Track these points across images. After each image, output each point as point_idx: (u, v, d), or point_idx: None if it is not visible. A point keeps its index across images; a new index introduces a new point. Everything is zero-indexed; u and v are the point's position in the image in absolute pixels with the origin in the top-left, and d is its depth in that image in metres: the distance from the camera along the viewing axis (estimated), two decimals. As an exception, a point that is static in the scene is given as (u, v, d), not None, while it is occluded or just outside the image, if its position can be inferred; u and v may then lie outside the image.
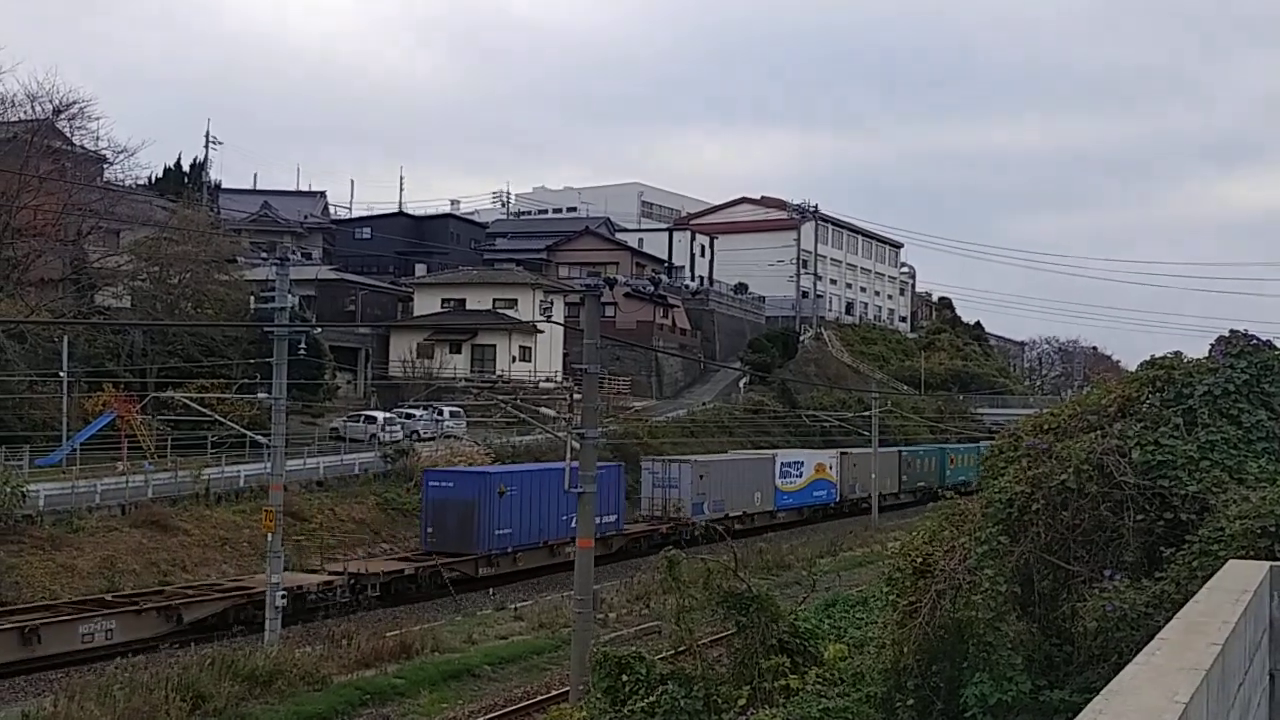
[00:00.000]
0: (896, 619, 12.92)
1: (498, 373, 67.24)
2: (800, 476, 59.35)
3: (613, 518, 44.40)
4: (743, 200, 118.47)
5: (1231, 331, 13.81)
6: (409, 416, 55.88)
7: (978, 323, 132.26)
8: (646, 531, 47.43)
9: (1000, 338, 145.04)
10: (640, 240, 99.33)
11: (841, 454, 64.07)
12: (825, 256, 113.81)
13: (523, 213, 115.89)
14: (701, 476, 50.41)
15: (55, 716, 20.97)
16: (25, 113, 52.46)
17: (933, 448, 76.64)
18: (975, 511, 13.39)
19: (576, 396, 46.99)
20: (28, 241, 49.45)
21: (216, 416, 37.96)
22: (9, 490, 33.04)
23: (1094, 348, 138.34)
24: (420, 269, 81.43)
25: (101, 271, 54.39)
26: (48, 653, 26.76)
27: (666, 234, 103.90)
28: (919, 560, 13.02)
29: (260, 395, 32.77)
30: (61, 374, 43.63)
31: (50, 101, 52.91)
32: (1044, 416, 14.57)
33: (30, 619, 27.49)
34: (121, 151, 58.04)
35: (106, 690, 21.89)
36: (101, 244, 56.34)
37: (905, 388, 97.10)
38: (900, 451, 71.04)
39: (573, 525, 45.14)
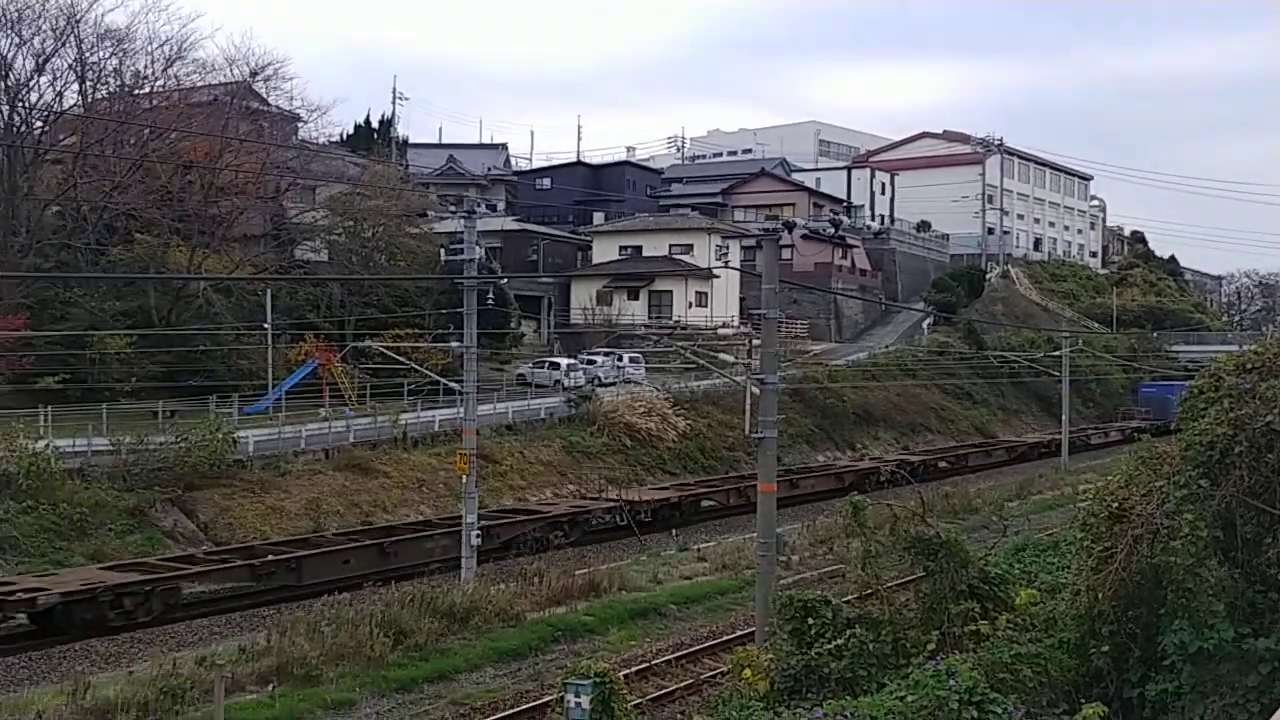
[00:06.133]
0: (1091, 564, 12.68)
1: (675, 318, 67.69)
2: None
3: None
4: (923, 135, 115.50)
5: None
6: (590, 363, 56.92)
7: (1172, 256, 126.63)
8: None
9: (1196, 272, 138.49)
10: (818, 180, 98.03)
11: None
12: (1011, 191, 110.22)
13: (698, 157, 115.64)
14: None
15: (269, 650, 21.99)
16: (224, 76, 54.94)
17: None
18: (1174, 454, 13.00)
19: (755, 341, 47.13)
20: (230, 199, 51.86)
21: (411, 364, 39.46)
22: (220, 437, 34.94)
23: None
24: (598, 217, 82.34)
25: (299, 226, 56.80)
26: (404, 563, 30.54)
27: (845, 173, 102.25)
28: (1115, 505, 12.71)
29: (452, 343, 33.87)
30: (266, 326, 45.89)
31: (247, 64, 55.28)
32: (1247, 355, 13.98)
33: (388, 537, 32.16)
34: (314, 110, 60.24)
35: (315, 626, 22.76)
36: (298, 200, 58.73)
37: (1096, 326, 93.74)
38: None
39: (1143, 411, 68.46)
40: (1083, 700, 11.90)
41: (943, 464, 56.44)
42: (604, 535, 37.27)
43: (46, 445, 31.76)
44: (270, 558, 29.23)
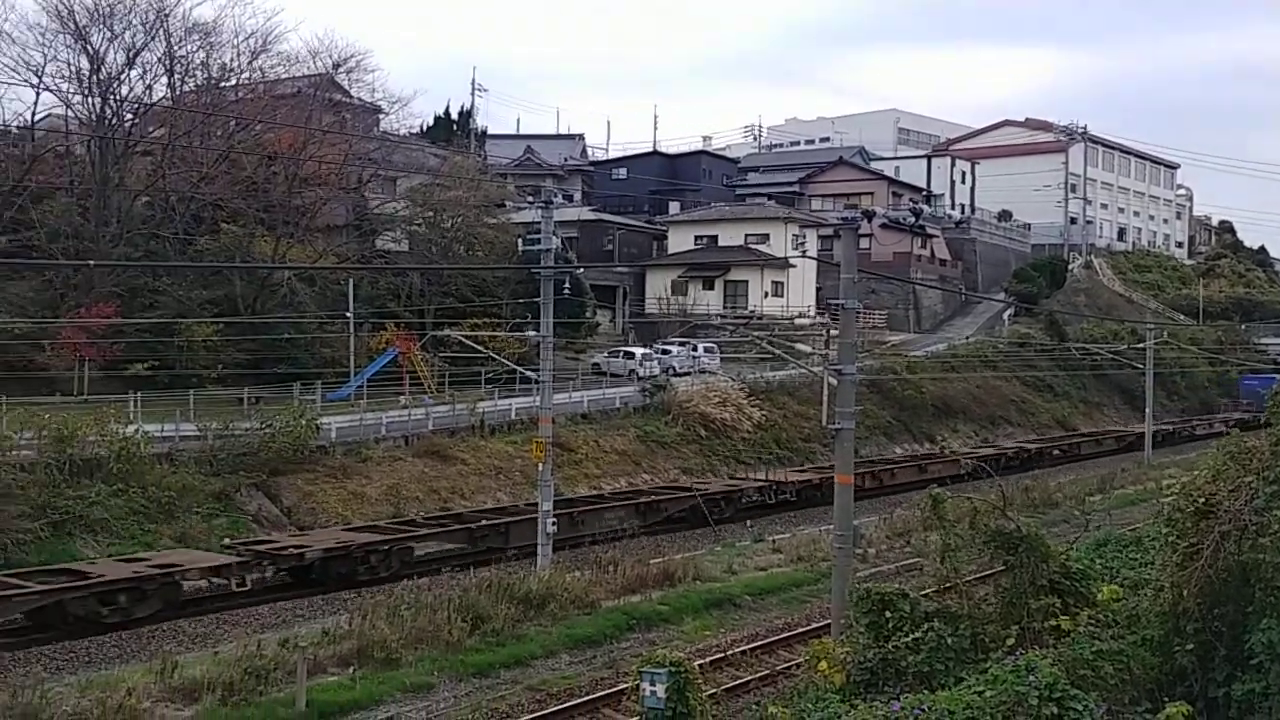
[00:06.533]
0: (1176, 560, 12.45)
1: (750, 308, 67.51)
2: None
3: None
4: (1005, 123, 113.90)
5: None
6: (665, 352, 57.00)
7: (1262, 247, 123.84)
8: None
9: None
10: (896, 168, 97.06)
11: None
12: (1095, 180, 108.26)
13: (775, 146, 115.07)
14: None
15: (350, 633, 22.30)
16: (308, 68, 55.82)
17: None
18: (1264, 448, 12.71)
19: (832, 332, 46.91)
20: (314, 190, 52.74)
21: (489, 353, 39.85)
22: (304, 423, 35.60)
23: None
24: (674, 207, 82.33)
25: (380, 217, 57.58)
26: (589, 531, 33.90)
27: (924, 161, 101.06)
28: (1201, 500, 12.47)
29: (529, 332, 34.18)
30: (348, 314, 46.58)
31: (330, 57, 56.14)
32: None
33: (576, 509, 35.09)
34: (396, 102, 61.05)
35: (395, 610, 23.07)
36: (380, 191, 59.53)
37: (1182, 317, 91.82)
38: None
39: (1245, 403, 67.31)
40: (1166, 699, 11.69)
41: (1055, 451, 59.34)
42: (677, 524, 37.42)
43: (136, 430, 32.60)
44: (484, 523, 32.33)
